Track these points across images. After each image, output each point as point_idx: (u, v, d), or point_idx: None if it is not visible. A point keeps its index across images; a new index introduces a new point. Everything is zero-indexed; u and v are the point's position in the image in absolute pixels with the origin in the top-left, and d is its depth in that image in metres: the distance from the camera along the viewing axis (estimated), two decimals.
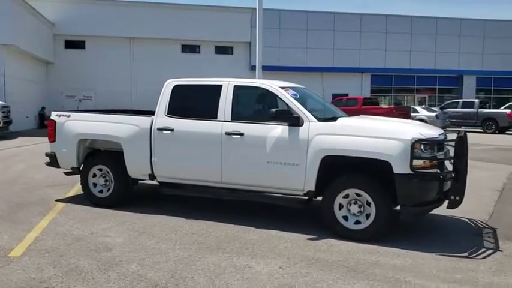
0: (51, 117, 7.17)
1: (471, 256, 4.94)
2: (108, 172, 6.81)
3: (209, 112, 6.19)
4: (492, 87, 35.59)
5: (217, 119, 6.07)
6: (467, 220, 6.42)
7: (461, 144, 5.24)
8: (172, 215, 6.35)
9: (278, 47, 31.16)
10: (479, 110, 26.28)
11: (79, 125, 6.90)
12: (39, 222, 5.96)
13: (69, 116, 7.02)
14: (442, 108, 27.67)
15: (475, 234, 5.78)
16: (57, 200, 7.26)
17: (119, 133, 6.55)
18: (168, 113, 6.37)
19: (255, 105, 6.66)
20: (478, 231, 5.94)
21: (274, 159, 5.70)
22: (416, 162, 5.06)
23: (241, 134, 5.87)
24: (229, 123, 5.98)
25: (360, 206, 5.37)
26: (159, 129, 6.32)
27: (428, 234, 5.77)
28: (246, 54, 31.33)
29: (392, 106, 25.48)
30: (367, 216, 5.34)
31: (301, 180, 5.58)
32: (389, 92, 33.64)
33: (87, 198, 6.98)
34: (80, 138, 6.88)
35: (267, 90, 6.07)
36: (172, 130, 6.25)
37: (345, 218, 5.45)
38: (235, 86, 6.15)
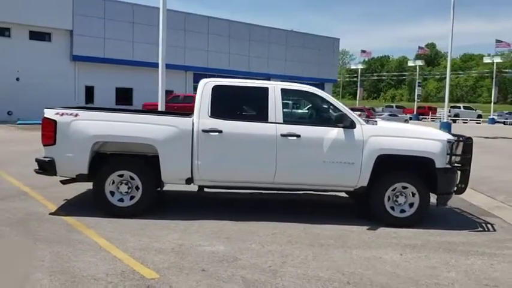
0: (48, 116, 6.00)
1: (486, 230, 6.42)
2: (132, 178, 6.11)
3: (258, 114, 6.26)
4: None
5: (269, 121, 6.19)
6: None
7: (470, 143, 6.68)
8: (216, 218, 6.17)
9: (103, 38, 29.37)
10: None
11: (95, 125, 5.99)
12: (94, 240, 5.10)
13: (76, 115, 6.01)
14: None
15: (460, 214, 7.37)
16: (52, 214, 6.14)
17: (154, 135, 5.99)
18: (211, 115, 6.14)
19: (304, 108, 6.93)
20: (455, 211, 7.54)
21: (330, 159, 6.19)
22: (452, 158, 6.30)
23: (298, 136, 6.15)
24: (283, 125, 6.17)
25: (405, 197, 6.33)
26: (205, 131, 6.06)
27: (434, 216, 7.06)
28: (67, 43, 28.49)
29: None
30: (411, 205, 6.34)
31: (356, 177, 6.23)
32: None
33: (102, 208, 6.11)
34: (95, 141, 5.99)
35: (316, 94, 6.48)
36: (220, 132, 6.07)
37: (392, 208, 6.33)
38: (282, 89, 6.34)
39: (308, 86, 6.61)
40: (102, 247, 4.90)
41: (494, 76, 51.54)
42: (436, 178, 6.26)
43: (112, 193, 6.12)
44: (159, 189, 6.40)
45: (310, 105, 6.98)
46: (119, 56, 29.80)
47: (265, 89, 6.33)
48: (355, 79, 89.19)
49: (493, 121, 48.89)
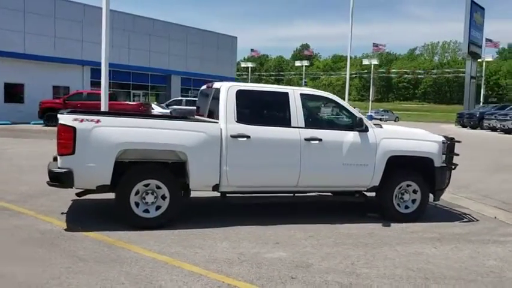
0: (64, 123, 5.41)
1: (471, 220, 7.26)
2: (158, 187, 5.78)
3: (281, 119, 6.35)
4: (192, 87, 40.36)
5: (292, 126, 6.30)
6: None
7: (453, 143, 7.47)
8: (243, 224, 6.13)
9: None
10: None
11: (121, 132, 5.54)
12: (149, 256, 4.78)
13: (98, 121, 5.49)
14: (168, 106, 29.90)
15: (436, 207, 8.18)
16: (68, 231, 5.57)
17: (183, 141, 5.73)
18: (238, 120, 6.06)
19: (320, 113, 7.05)
20: (430, 204, 8.33)
21: (348, 161, 6.50)
22: (445, 158, 7.02)
23: (320, 140, 6.35)
24: (305, 129, 6.33)
25: (409, 194, 6.90)
26: (233, 137, 5.96)
27: None
28: None
29: (139, 102, 26.04)
30: (413, 201, 6.92)
31: (369, 178, 6.63)
32: (109, 86, 33.21)
33: (128, 221, 5.69)
34: (121, 149, 5.55)
35: (332, 99, 6.73)
36: (248, 137, 6.02)
37: (398, 205, 6.86)
38: (301, 94, 6.48)
39: (324, 92, 6.85)
40: (168, 263, 4.61)
41: (372, 76, 56.83)
42: (434, 176, 6.92)
43: (137, 204, 5.73)
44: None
45: (326, 110, 7.23)
46: (8, 48, 26.89)
47: (286, 94, 6.42)
48: (242, 77, 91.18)
49: (371, 118, 53.58)
